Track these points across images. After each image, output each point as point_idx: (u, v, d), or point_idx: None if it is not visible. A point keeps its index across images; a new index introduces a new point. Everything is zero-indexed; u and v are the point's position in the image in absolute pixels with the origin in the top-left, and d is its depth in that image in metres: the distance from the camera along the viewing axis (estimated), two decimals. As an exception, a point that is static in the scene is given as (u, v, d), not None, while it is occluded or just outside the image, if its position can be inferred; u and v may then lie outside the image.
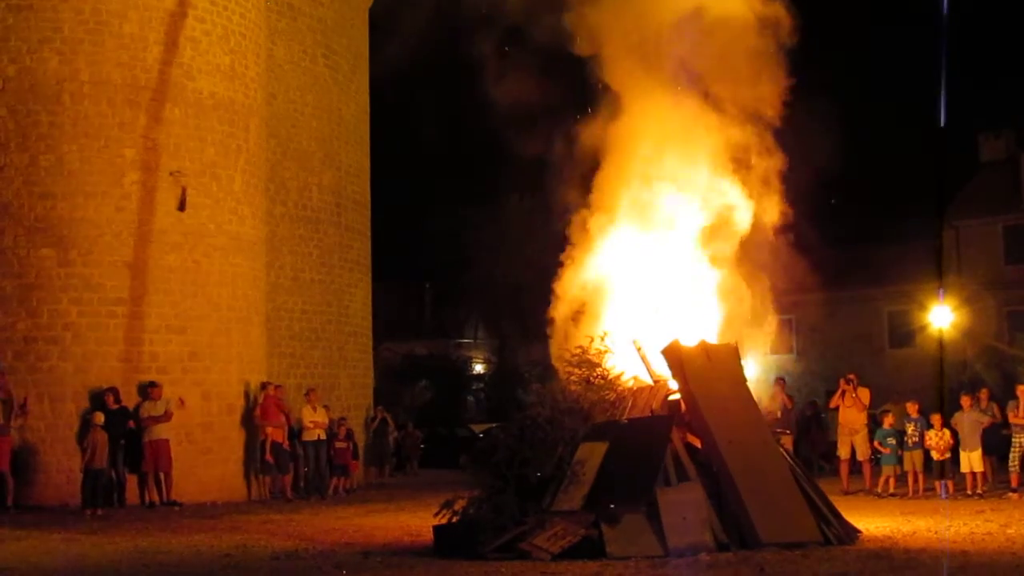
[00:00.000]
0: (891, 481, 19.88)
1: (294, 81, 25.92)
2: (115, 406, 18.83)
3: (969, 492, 19.06)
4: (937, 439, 19.67)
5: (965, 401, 19.97)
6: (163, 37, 20.37)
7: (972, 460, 19.29)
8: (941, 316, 36.93)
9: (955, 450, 19.76)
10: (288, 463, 21.45)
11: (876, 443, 20.27)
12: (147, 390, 19.30)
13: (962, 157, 44.28)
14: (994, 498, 18.53)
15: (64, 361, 19.14)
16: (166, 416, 19.22)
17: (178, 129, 20.39)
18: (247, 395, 21.09)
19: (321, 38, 26.98)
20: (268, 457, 20.90)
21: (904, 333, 42.47)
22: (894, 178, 48.23)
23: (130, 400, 19.21)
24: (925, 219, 40.64)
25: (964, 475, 19.49)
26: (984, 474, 19.46)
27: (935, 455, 19.75)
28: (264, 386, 21.39)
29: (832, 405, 21.24)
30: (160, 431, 19.19)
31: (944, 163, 38.67)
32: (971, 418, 19.61)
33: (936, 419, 20.05)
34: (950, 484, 19.64)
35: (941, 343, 35.60)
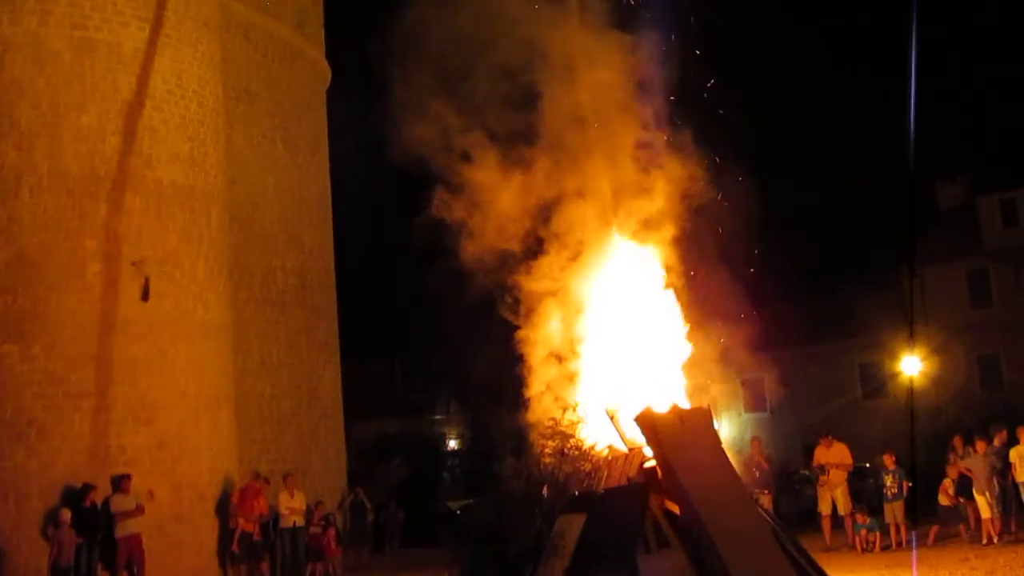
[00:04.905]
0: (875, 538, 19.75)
1: (254, 165, 25.95)
2: (88, 504, 18.45)
3: (985, 541, 18.75)
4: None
5: (980, 446, 19.73)
6: (121, 127, 20.34)
7: (984, 504, 18.98)
8: (911, 365, 37.05)
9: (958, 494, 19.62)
10: (263, 552, 21.14)
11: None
12: (119, 483, 18.94)
13: (920, 205, 44.84)
14: (985, 545, 18.40)
15: (29, 458, 18.79)
16: (138, 510, 18.85)
17: (139, 218, 20.29)
18: (225, 483, 20.84)
19: (279, 121, 27.08)
20: (235, 547, 20.61)
21: (877, 384, 42.62)
22: (854, 229, 48.72)
23: (97, 494, 18.83)
24: (887, 269, 40.92)
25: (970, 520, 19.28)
26: (992, 520, 19.12)
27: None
28: (257, 475, 21.29)
29: (818, 462, 21.02)
30: (132, 525, 18.82)
31: (912, 212, 39.05)
32: (987, 461, 19.40)
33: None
34: (932, 531, 19.54)
35: (911, 392, 35.72)
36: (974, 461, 19.58)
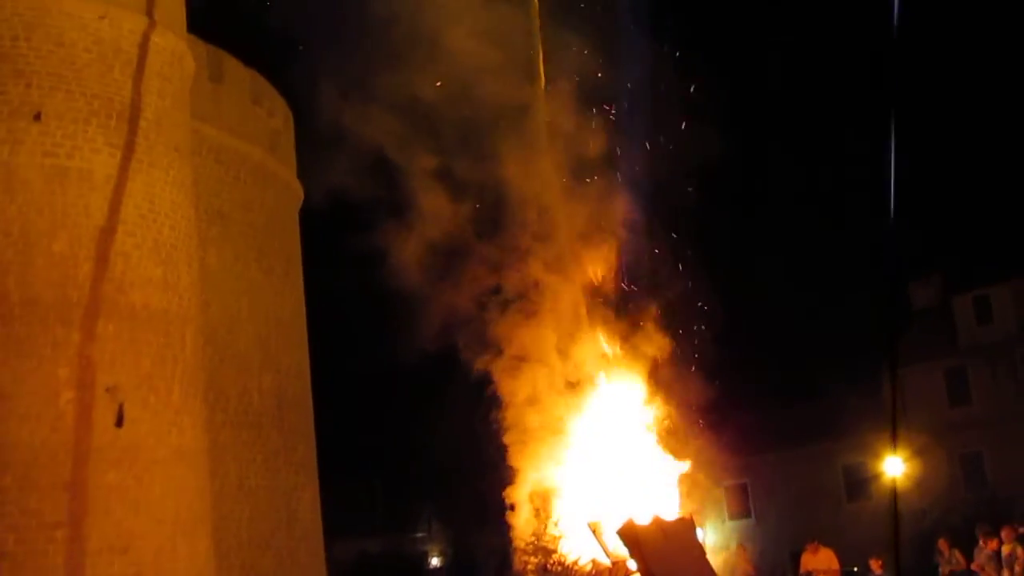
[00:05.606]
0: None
1: (228, 286, 25.93)
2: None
3: None
4: None
5: (993, 543, 19.49)
6: (94, 253, 20.25)
7: None
8: (894, 466, 36.89)
9: None
10: None
11: None
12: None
13: (896, 306, 44.97)
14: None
15: (2, 594, 18.40)
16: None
17: (112, 344, 20.10)
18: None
19: (253, 242, 27.15)
20: None
21: (860, 486, 42.38)
22: (830, 332, 48.91)
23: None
24: (866, 370, 40.99)
25: None
26: None
27: None
28: None
29: (805, 568, 20.80)
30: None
31: (893, 314, 39.21)
32: (995, 558, 19.14)
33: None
34: None
35: (895, 495, 35.50)
36: (986, 559, 19.41)
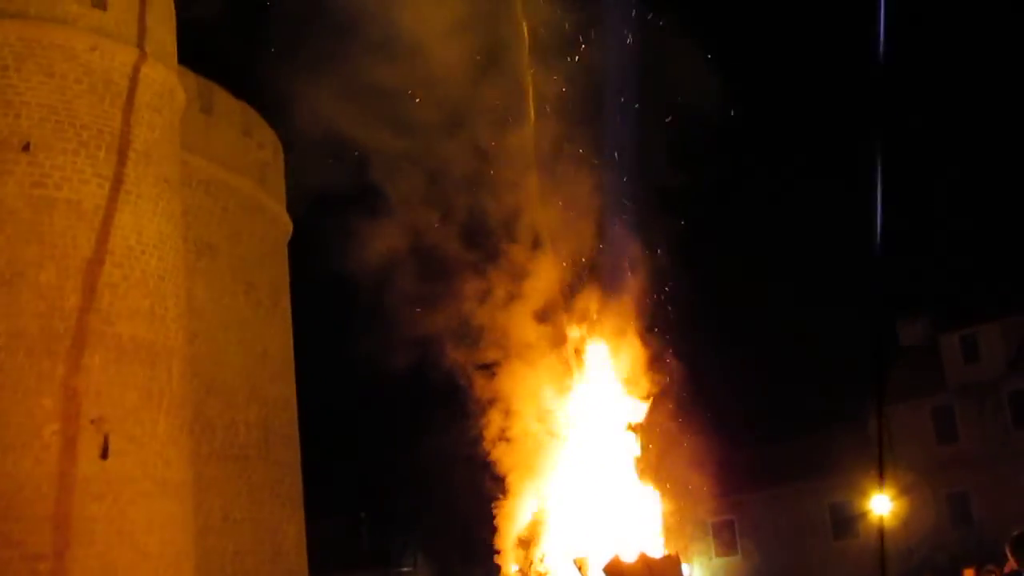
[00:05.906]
0: None
1: (216, 319, 25.86)
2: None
3: None
4: None
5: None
6: (81, 284, 20.22)
7: None
8: (881, 504, 36.84)
9: None
10: None
11: None
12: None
13: (883, 344, 45.03)
14: None
15: (-17, 627, 18.24)
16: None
17: (98, 375, 20.03)
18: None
19: (241, 274, 27.10)
20: None
21: (847, 524, 42.29)
22: (819, 370, 48.93)
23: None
24: (854, 408, 40.96)
25: None
26: None
27: None
28: None
29: None
30: None
31: (880, 352, 39.23)
32: None
33: None
34: None
35: (882, 533, 35.44)
36: None
